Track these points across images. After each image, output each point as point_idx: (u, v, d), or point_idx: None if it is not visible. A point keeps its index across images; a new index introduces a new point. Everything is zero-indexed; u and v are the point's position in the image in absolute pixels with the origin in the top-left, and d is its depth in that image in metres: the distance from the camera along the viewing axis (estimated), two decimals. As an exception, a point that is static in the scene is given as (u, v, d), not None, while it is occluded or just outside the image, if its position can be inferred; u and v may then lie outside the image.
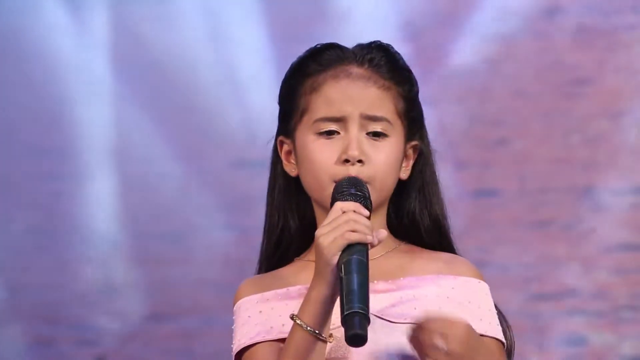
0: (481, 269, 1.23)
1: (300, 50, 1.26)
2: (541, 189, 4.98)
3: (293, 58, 1.25)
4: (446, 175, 4.53)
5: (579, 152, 4.79)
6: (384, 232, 1.05)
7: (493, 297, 1.23)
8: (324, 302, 1.02)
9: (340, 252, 1.00)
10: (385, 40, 1.21)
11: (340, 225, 1.01)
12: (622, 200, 4.39)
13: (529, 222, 4.70)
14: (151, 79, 4.81)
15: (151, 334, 3.24)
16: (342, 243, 1.00)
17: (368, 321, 0.97)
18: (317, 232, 1.02)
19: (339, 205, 1.04)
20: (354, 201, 1.04)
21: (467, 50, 4.92)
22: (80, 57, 4.65)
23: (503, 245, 4.57)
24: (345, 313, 0.97)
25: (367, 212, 1.04)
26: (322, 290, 1.02)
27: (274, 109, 1.28)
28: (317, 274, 1.02)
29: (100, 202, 5.03)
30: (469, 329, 1.05)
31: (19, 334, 2.72)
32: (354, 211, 1.03)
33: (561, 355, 2.52)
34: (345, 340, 0.97)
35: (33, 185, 4.96)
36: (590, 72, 4.60)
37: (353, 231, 1.01)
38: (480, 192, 5.10)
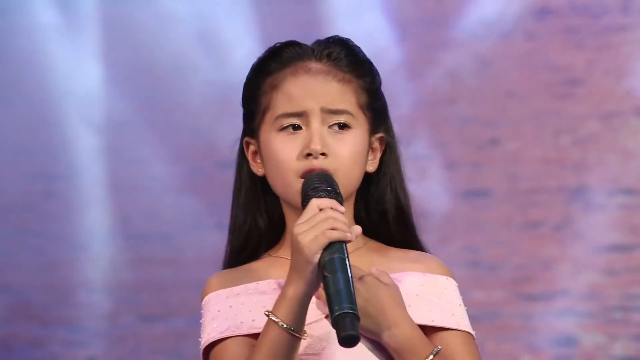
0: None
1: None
2: (532, 190, 4.99)
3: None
4: (437, 176, 4.57)
5: (569, 152, 4.80)
6: (359, 228, 1.05)
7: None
8: (301, 300, 1.02)
9: (321, 251, 1.00)
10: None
11: (320, 223, 1.01)
12: (613, 201, 4.40)
13: (520, 222, 4.71)
14: (142, 80, 4.80)
15: (141, 334, 3.24)
16: (324, 241, 1.00)
17: (358, 320, 0.98)
18: (295, 230, 1.02)
19: (315, 202, 1.04)
20: (329, 197, 1.04)
21: (458, 52, 4.93)
22: (71, 58, 4.64)
23: (494, 246, 4.57)
24: (336, 314, 0.97)
25: (343, 209, 1.04)
26: (300, 288, 1.02)
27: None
28: (295, 271, 1.02)
29: (90, 203, 5.02)
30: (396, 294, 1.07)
31: (10, 334, 2.72)
32: (331, 208, 1.03)
33: (552, 355, 2.53)
34: (339, 341, 0.97)
35: (23, 186, 4.95)
36: (581, 73, 4.61)
37: (333, 229, 1.01)
38: (471, 193, 5.11)
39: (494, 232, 4.91)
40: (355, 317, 0.97)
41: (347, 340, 0.96)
